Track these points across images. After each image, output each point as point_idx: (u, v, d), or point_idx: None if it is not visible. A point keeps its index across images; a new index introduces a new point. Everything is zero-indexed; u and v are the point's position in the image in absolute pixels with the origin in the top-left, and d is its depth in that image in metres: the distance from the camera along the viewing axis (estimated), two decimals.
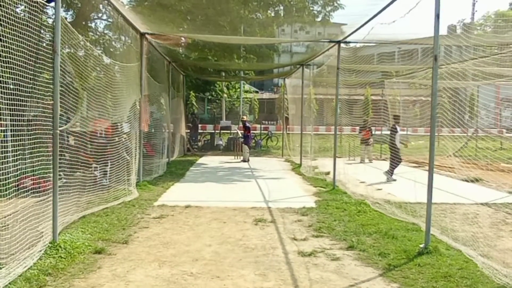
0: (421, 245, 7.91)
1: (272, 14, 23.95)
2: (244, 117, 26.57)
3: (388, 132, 18.17)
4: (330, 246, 8.36)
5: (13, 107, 6.62)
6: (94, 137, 11.47)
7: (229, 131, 32.26)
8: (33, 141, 7.49)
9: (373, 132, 24.88)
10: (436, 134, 12.71)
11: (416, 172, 18.84)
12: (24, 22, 6.91)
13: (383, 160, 25.23)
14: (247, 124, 24.34)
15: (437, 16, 7.79)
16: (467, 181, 16.15)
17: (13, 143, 6.87)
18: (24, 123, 7.17)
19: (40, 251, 7.14)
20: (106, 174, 12.35)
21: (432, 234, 8.22)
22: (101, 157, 11.73)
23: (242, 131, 24.75)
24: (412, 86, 33.57)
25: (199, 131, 32.11)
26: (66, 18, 16.12)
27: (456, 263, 7.25)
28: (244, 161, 23.23)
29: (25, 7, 8.54)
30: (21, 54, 6.77)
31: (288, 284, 6.48)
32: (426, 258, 7.46)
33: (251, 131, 25.25)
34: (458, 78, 16.92)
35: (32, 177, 8.60)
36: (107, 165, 12.23)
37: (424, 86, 28.19)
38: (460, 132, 23.25)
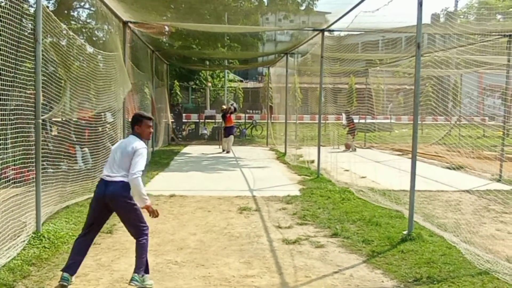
0: (404, 232, 7.98)
1: (256, 3, 23.86)
2: (224, 106, 26.00)
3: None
4: (315, 234, 8.41)
5: None
6: (77, 126, 11.39)
7: (213, 120, 32.16)
8: (15, 130, 7.43)
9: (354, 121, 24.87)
10: (420, 122, 12.81)
11: (400, 160, 18.97)
12: (5, 11, 6.83)
13: (368, 148, 25.37)
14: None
15: (420, 4, 7.82)
16: (450, 168, 16.31)
17: None
18: (6, 112, 7.10)
19: (24, 241, 7.11)
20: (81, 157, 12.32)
21: (415, 221, 8.29)
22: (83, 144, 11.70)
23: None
24: (396, 74, 33.81)
25: (184, 120, 31.99)
26: (48, 7, 15.95)
27: (439, 249, 7.33)
28: (225, 151, 22.75)
29: None
30: (2, 43, 6.69)
31: (272, 271, 6.51)
32: (409, 245, 7.52)
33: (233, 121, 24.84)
34: (441, 67, 17.04)
35: (13, 167, 8.52)
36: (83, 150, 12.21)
37: (408, 75, 28.38)
38: (443, 120, 23.43)
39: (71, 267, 5.73)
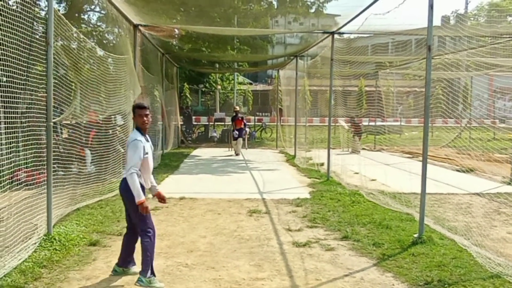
0: (415, 235, 7.94)
1: (266, 6, 23.87)
2: (237, 107, 25.99)
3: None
4: (325, 237, 8.39)
5: (6, 100, 6.59)
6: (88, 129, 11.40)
7: (223, 123, 32.19)
8: (27, 133, 7.47)
9: (361, 124, 24.81)
10: (430, 124, 12.76)
11: (410, 162, 18.90)
12: (16, 15, 6.87)
13: (378, 151, 25.30)
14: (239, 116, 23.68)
15: (431, 7, 7.80)
16: (460, 171, 16.24)
17: (6, 136, 6.84)
18: (18, 115, 7.15)
19: (35, 243, 7.14)
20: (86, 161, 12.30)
21: (426, 224, 8.26)
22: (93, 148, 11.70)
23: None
24: (406, 77, 33.67)
25: (193, 123, 32.04)
26: (59, 10, 16.04)
27: (450, 252, 7.29)
28: (236, 154, 22.80)
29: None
30: (14, 46, 6.74)
31: (283, 274, 6.50)
32: (420, 248, 7.49)
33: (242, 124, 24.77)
34: (452, 69, 16.97)
35: (25, 170, 8.57)
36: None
37: (418, 77, 28.29)
38: (453, 123, 23.33)
39: (119, 260, 6.35)
